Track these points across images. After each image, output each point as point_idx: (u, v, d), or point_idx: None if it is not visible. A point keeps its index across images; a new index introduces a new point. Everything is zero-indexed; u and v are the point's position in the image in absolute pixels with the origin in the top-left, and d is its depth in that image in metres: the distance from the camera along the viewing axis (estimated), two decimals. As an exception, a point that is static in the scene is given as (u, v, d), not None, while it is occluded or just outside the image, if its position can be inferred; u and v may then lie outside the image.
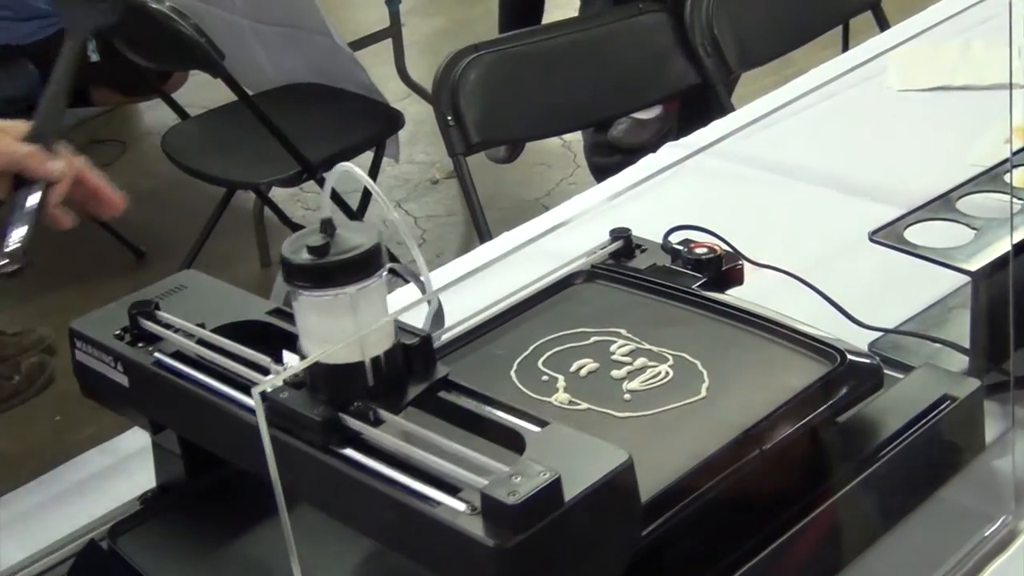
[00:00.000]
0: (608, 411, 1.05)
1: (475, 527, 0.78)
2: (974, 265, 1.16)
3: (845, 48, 2.81)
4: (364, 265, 0.86)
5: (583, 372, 1.10)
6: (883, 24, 2.63)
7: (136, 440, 1.24)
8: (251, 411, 0.90)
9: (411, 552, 0.84)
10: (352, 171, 0.86)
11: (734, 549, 0.98)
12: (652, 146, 2.17)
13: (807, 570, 1.02)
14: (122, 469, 1.09)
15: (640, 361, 1.10)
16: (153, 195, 3.97)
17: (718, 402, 1.04)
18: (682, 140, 1.82)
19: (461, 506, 0.79)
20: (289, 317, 0.99)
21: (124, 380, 1.01)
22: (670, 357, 1.10)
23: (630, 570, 0.91)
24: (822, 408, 1.04)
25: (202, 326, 1.00)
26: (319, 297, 0.86)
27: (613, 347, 1.12)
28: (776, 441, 1.00)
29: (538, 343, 1.14)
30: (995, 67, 1.88)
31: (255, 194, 3.36)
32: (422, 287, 1.02)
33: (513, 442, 0.85)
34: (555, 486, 0.78)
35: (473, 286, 1.19)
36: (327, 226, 0.87)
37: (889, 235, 1.21)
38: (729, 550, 0.98)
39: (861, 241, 1.23)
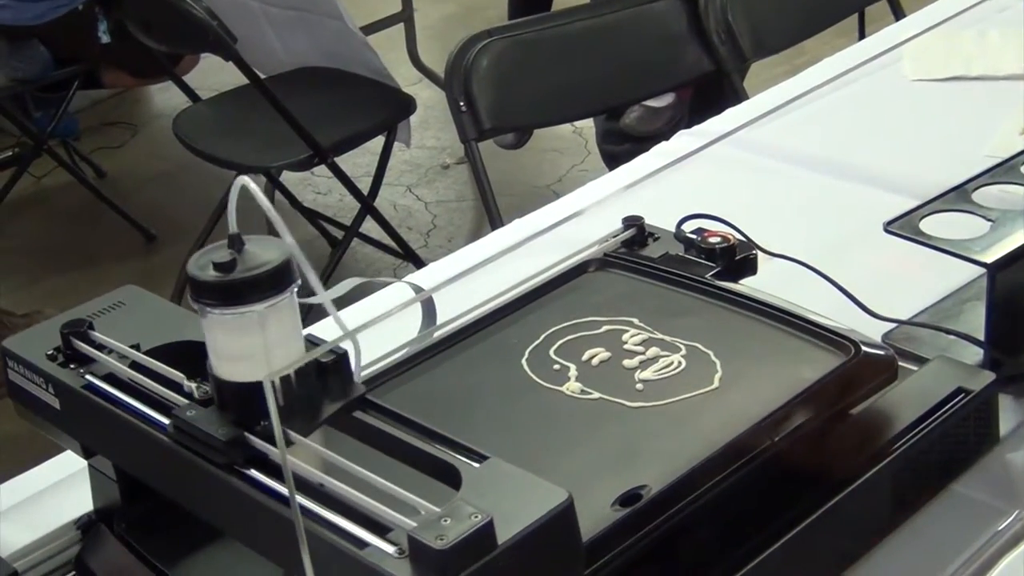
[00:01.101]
0: (620, 401, 1.04)
1: (403, 572, 0.74)
2: (990, 257, 1.15)
3: (861, 37, 2.79)
4: (273, 282, 0.83)
5: (595, 361, 1.09)
6: (899, 13, 2.62)
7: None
8: (155, 425, 0.88)
9: None
10: (249, 187, 0.81)
11: (746, 541, 0.97)
12: (664, 134, 2.16)
13: (820, 562, 1.02)
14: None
15: (652, 351, 1.09)
16: (164, 178, 3.97)
17: (731, 393, 1.04)
18: (695, 128, 1.81)
19: (390, 548, 0.76)
20: None
21: (55, 402, 0.98)
22: (683, 347, 1.09)
23: (643, 562, 0.91)
24: (835, 400, 1.04)
25: (137, 347, 0.96)
26: (226, 315, 0.83)
27: (625, 336, 1.11)
28: (789, 432, 1.00)
29: (550, 331, 1.14)
30: (1011, 57, 1.87)
31: (266, 178, 3.34)
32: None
33: (449, 476, 0.82)
34: (487, 529, 0.74)
35: (485, 274, 1.19)
36: (235, 241, 0.83)
37: (904, 226, 1.21)
38: (741, 542, 0.97)
39: (876, 232, 1.22)
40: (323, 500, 0.80)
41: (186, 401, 0.89)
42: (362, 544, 0.77)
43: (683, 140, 1.77)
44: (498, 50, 2.21)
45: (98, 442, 1.01)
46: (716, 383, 1.05)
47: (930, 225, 1.21)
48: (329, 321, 0.85)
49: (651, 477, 0.94)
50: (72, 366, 0.97)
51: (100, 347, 0.97)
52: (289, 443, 0.82)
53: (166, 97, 4.24)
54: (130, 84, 3.98)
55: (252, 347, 0.84)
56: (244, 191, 0.82)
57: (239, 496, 0.83)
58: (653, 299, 1.17)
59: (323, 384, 0.87)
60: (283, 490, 0.80)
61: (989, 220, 1.20)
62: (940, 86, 1.87)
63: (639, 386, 1.05)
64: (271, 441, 0.83)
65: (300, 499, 0.79)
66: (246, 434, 0.84)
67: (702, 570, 0.96)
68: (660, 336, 1.11)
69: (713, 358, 1.07)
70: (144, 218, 3.69)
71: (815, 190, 1.62)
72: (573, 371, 1.08)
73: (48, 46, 3.54)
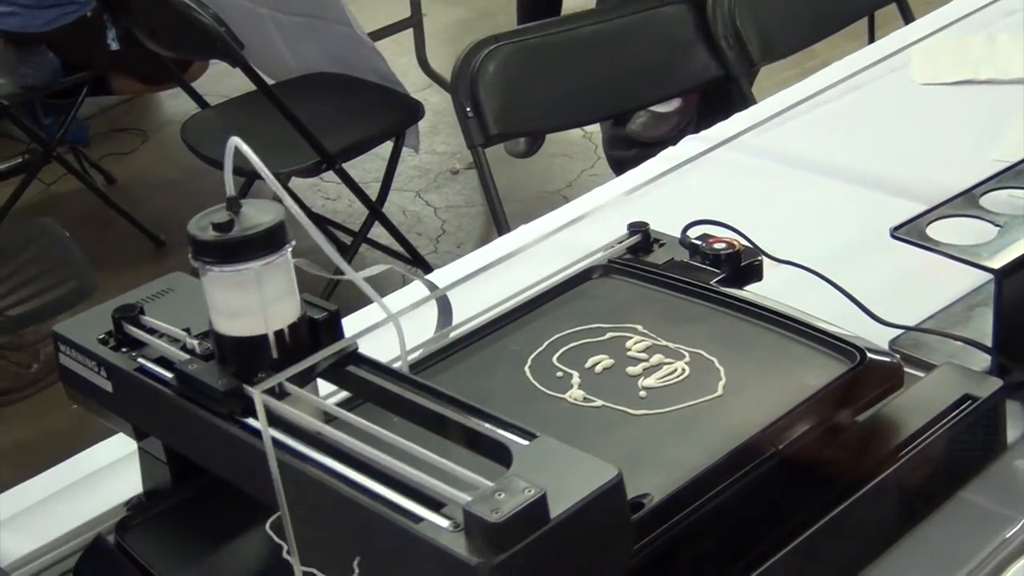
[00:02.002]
0: (623, 408, 1.03)
1: (458, 545, 0.75)
2: (997, 263, 1.14)
3: (871, 41, 2.78)
4: (268, 241, 0.88)
5: (598, 368, 1.08)
6: (908, 16, 2.61)
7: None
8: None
9: (393, 568, 0.82)
10: (241, 148, 0.87)
11: (751, 550, 0.96)
12: (671, 139, 2.15)
13: (825, 571, 1.01)
14: (131, 463, 1.08)
15: (656, 358, 1.08)
16: (173, 184, 3.98)
17: (735, 400, 1.03)
18: (702, 133, 1.80)
19: (444, 522, 0.77)
20: None
21: (107, 385, 1.00)
22: (687, 354, 1.08)
23: (646, 571, 0.90)
24: (841, 407, 1.03)
25: (187, 331, 0.98)
26: (225, 272, 0.88)
27: (629, 343, 1.11)
28: (793, 440, 0.99)
29: (553, 338, 1.13)
30: (1020, 61, 1.86)
31: (275, 184, 3.35)
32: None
33: (499, 454, 0.83)
34: (540, 503, 0.76)
35: (489, 280, 1.18)
36: (232, 203, 0.88)
37: (911, 231, 1.20)
38: (746, 551, 0.96)
39: (882, 237, 1.21)
40: (374, 475, 0.82)
41: (186, 356, 0.93)
42: (416, 519, 0.78)
43: (690, 145, 1.76)
44: (505, 55, 2.20)
45: (150, 424, 1.03)
46: (720, 390, 1.04)
47: (937, 230, 1.20)
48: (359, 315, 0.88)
49: (654, 485, 0.93)
50: (124, 350, 1.00)
51: (151, 331, 1.00)
52: (284, 394, 0.88)
53: (176, 103, 4.25)
54: (139, 91, 3.98)
55: (249, 303, 0.89)
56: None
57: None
58: (657, 306, 1.16)
59: (315, 340, 0.92)
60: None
61: (997, 225, 1.19)
62: (948, 90, 1.86)
63: (642, 393, 1.05)
64: (269, 392, 0.86)
65: (347, 471, 0.82)
66: (244, 385, 0.88)
67: (706, 579, 0.95)
68: (664, 343, 1.10)
69: (717, 365, 1.07)
70: (153, 224, 3.70)
71: (822, 195, 1.61)
72: (576, 378, 1.07)
73: (57, 53, 3.55)
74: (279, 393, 0.87)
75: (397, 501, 0.80)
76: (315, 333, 0.92)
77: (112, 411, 1.04)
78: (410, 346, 1.09)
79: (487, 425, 0.86)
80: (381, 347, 0.96)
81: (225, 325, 0.91)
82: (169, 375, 0.95)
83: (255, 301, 0.89)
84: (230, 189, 0.89)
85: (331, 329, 0.93)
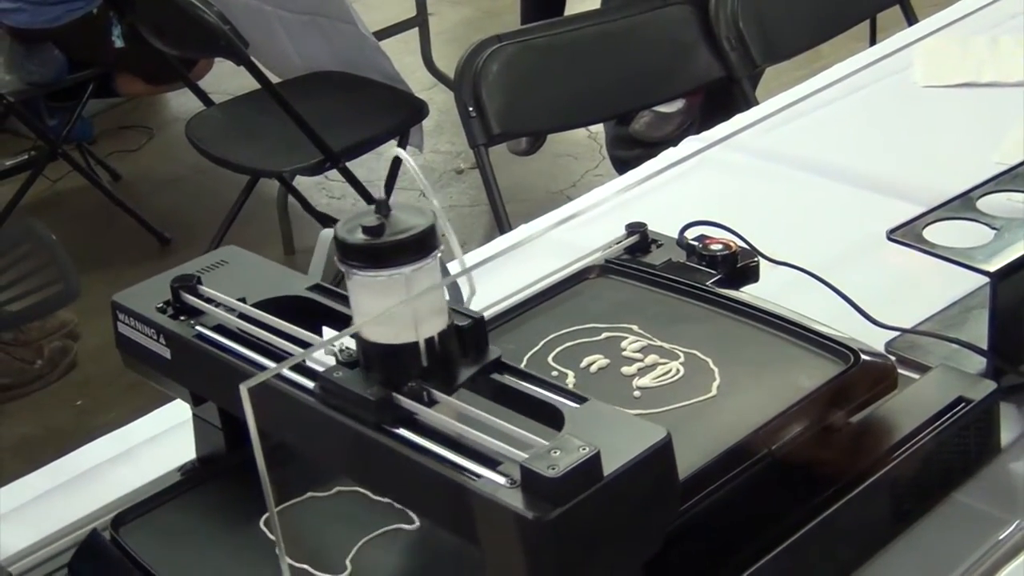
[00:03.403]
0: (617, 408, 1.03)
1: (515, 500, 0.78)
2: (993, 266, 1.15)
3: (873, 43, 2.78)
4: (419, 246, 0.86)
5: (593, 368, 1.09)
6: (911, 18, 2.61)
7: (144, 429, 1.24)
8: (298, 387, 0.91)
9: (452, 525, 0.85)
10: (401, 155, 0.88)
11: (743, 550, 0.96)
12: (674, 139, 2.16)
13: (818, 572, 1.01)
14: (128, 458, 1.09)
15: (651, 358, 1.09)
16: (179, 181, 3.98)
17: (729, 401, 1.03)
18: (704, 134, 1.80)
19: (501, 479, 0.80)
20: (329, 293, 1.02)
21: (166, 352, 1.02)
22: (681, 354, 1.09)
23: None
24: (835, 408, 1.03)
25: (243, 300, 1.01)
26: (373, 277, 0.86)
27: (624, 343, 1.11)
28: (787, 441, 0.99)
29: (549, 338, 1.13)
30: (1022, 64, 1.86)
31: (279, 182, 3.36)
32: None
33: (552, 418, 0.85)
34: (595, 461, 0.78)
35: (487, 279, 1.19)
36: (382, 207, 0.87)
37: (907, 234, 1.20)
38: (738, 551, 0.96)
39: (880, 239, 1.21)
40: (434, 437, 0.84)
41: (332, 362, 0.91)
42: (475, 476, 0.80)
43: (691, 145, 1.76)
44: (508, 55, 2.21)
45: (209, 390, 1.05)
46: (714, 391, 1.04)
47: (934, 233, 1.20)
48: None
49: (646, 485, 0.93)
50: (182, 318, 1.02)
51: (208, 300, 1.02)
52: (433, 402, 0.86)
53: (182, 101, 4.25)
54: (144, 92, 3.99)
55: (399, 309, 0.87)
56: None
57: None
58: (653, 306, 1.17)
59: (461, 347, 0.91)
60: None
61: (993, 228, 1.20)
62: (950, 93, 1.86)
63: (636, 393, 1.05)
64: (419, 400, 0.86)
65: (413, 437, 0.84)
66: (394, 394, 0.86)
67: (697, 579, 0.95)
68: (659, 343, 1.10)
69: (711, 366, 1.07)
70: (159, 222, 3.71)
71: (820, 197, 1.61)
72: (571, 378, 1.08)
73: (63, 50, 3.55)
74: (428, 401, 0.86)
75: (456, 460, 0.82)
76: (459, 340, 0.90)
77: (171, 378, 1.05)
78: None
79: (539, 389, 0.88)
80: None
81: (372, 331, 0.88)
82: (229, 341, 0.97)
83: (404, 307, 0.87)
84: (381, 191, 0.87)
85: (477, 336, 0.91)
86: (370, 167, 3.60)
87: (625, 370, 1.08)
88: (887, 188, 1.58)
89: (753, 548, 0.96)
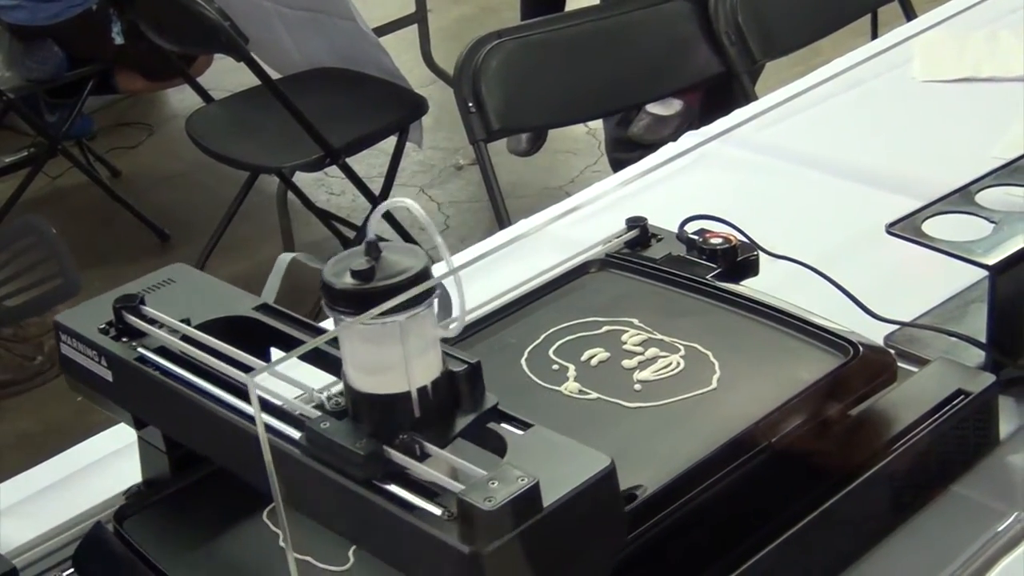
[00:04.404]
0: (618, 401, 1.04)
1: (451, 533, 0.76)
2: (991, 259, 1.15)
3: (874, 37, 2.78)
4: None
5: (594, 362, 1.09)
6: (909, 13, 2.61)
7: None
8: (245, 416, 0.88)
9: (391, 557, 0.82)
10: (411, 207, 0.79)
11: (743, 541, 0.97)
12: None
13: (817, 564, 1.02)
14: (130, 453, 1.09)
15: (651, 351, 1.09)
16: (178, 178, 3.99)
17: (729, 394, 1.04)
18: (703, 129, 1.81)
19: (438, 511, 0.78)
20: (276, 313, 0.99)
21: (108, 375, 1.00)
22: (682, 348, 1.09)
23: (637, 564, 0.91)
24: (834, 401, 1.04)
25: (187, 321, 0.98)
26: (366, 325, 0.81)
27: (625, 337, 1.11)
28: (786, 433, 1.00)
29: (550, 331, 1.14)
30: (1022, 59, 1.86)
31: (279, 178, 3.36)
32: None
33: (494, 444, 0.83)
34: (533, 492, 0.76)
35: (488, 273, 1.19)
36: (372, 248, 0.81)
37: (906, 228, 1.20)
38: (738, 542, 0.97)
39: (879, 233, 1.22)
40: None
41: (316, 412, 0.86)
42: (411, 507, 0.79)
43: (690, 140, 1.77)
44: (507, 51, 2.21)
45: (150, 413, 1.03)
46: (714, 384, 1.05)
47: (933, 227, 1.21)
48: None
49: (647, 477, 0.94)
50: (124, 339, 1.00)
51: (151, 321, 1.00)
52: (425, 455, 0.82)
53: (181, 98, 4.25)
54: (144, 89, 3.99)
55: (391, 358, 0.82)
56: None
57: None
58: (653, 300, 1.17)
59: (454, 395, 0.85)
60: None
61: (992, 222, 1.20)
62: (950, 87, 1.86)
63: (637, 386, 1.05)
64: (411, 454, 0.82)
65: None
66: (385, 447, 0.82)
67: (697, 571, 0.95)
68: (659, 337, 1.11)
69: (712, 359, 1.07)
70: (158, 218, 3.71)
71: (820, 191, 1.62)
72: (572, 371, 1.08)
73: (62, 47, 3.55)
74: (421, 455, 0.82)
75: (393, 490, 0.80)
76: (454, 388, 0.85)
77: (113, 400, 1.03)
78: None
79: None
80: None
81: (363, 381, 0.83)
82: (174, 367, 0.95)
83: (397, 355, 0.81)
84: (371, 233, 0.81)
85: (472, 383, 0.85)
86: (369, 163, 3.60)
87: (626, 363, 1.08)
88: (886, 182, 1.58)
89: (753, 540, 0.97)
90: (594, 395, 1.05)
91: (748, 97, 2.32)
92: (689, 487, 0.94)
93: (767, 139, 1.75)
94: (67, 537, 1.09)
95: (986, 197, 1.24)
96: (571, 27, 2.31)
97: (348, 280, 0.80)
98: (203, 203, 3.71)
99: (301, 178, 3.45)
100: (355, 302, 0.80)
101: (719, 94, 2.55)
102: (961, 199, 1.24)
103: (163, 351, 0.97)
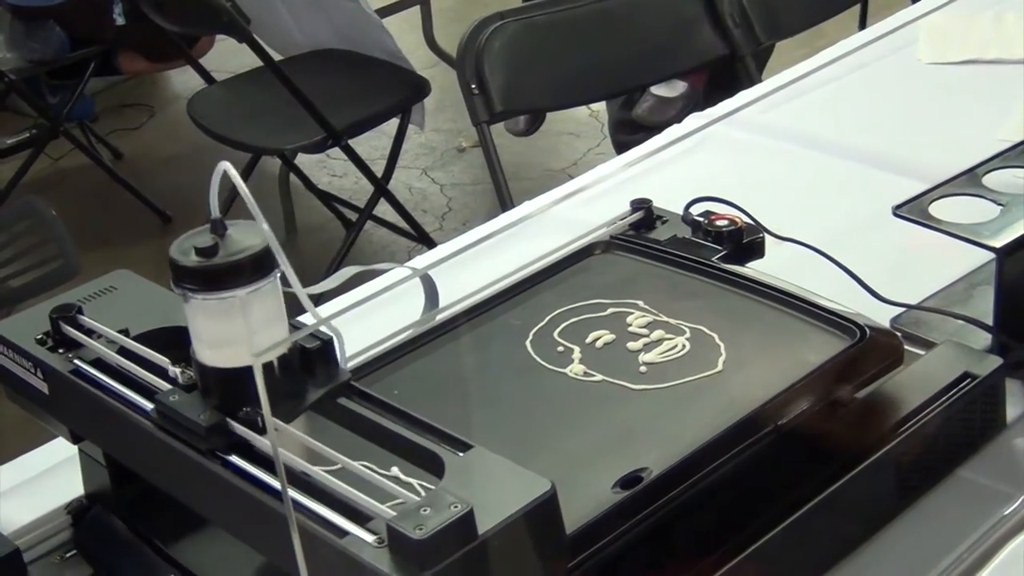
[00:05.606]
0: (623, 383, 1.04)
1: (382, 562, 0.74)
2: (999, 242, 1.14)
3: (863, 21, 2.77)
4: (255, 267, 0.82)
5: (599, 343, 1.09)
6: (914, -4, 2.60)
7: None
8: (137, 409, 0.88)
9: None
10: (229, 172, 0.80)
11: (748, 524, 0.96)
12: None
13: (823, 546, 1.01)
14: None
15: (657, 333, 1.09)
16: (180, 159, 3.98)
17: (735, 376, 1.03)
18: (707, 111, 1.80)
19: (369, 537, 0.75)
20: None
21: (44, 387, 0.97)
22: (687, 330, 1.09)
23: (643, 544, 0.90)
24: (840, 383, 1.03)
25: (126, 332, 0.96)
26: (208, 300, 0.83)
27: (630, 319, 1.11)
28: (792, 416, 0.99)
29: (554, 313, 1.13)
30: (1027, 41, 1.85)
31: (281, 160, 3.35)
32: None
33: (432, 465, 0.81)
34: (467, 519, 0.74)
35: (491, 255, 1.19)
36: (217, 226, 0.83)
37: (913, 210, 1.20)
38: (743, 525, 0.96)
39: (885, 215, 1.21)
40: (304, 487, 0.80)
41: (170, 386, 0.88)
42: (342, 533, 0.76)
43: (694, 122, 1.76)
44: (510, 32, 2.20)
45: (86, 427, 1.00)
46: (720, 366, 1.04)
47: (940, 209, 1.20)
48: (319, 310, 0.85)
49: (652, 460, 0.93)
50: (61, 351, 0.97)
51: (89, 332, 0.97)
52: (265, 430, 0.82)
53: (184, 79, 4.25)
54: (146, 70, 3.98)
55: (235, 332, 0.83)
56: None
57: (220, 483, 0.82)
58: (659, 282, 1.17)
59: (307, 371, 0.86)
60: (264, 477, 0.81)
61: (999, 204, 1.19)
62: (955, 69, 1.85)
63: (642, 368, 1.05)
64: (253, 427, 0.83)
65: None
66: (228, 420, 0.84)
67: (703, 553, 0.95)
68: (665, 319, 1.10)
69: (717, 341, 1.07)
70: (160, 200, 3.70)
71: (826, 173, 1.61)
72: (577, 353, 1.08)
73: (64, 27, 3.54)
74: (263, 428, 0.82)
75: (324, 514, 0.78)
76: (308, 363, 0.86)
77: (49, 413, 1.01)
78: (402, 325, 1.08)
79: (422, 434, 0.84)
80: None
81: (208, 355, 0.85)
82: (105, 377, 0.93)
83: (240, 331, 0.83)
84: (215, 211, 0.83)
85: (325, 359, 0.87)
86: (371, 145, 3.59)
87: (631, 345, 1.08)
88: (892, 165, 1.57)
89: (759, 523, 0.96)
90: (599, 377, 1.05)
91: (752, 79, 2.30)
92: (694, 470, 0.94)
93: (771, 121, 1.74)
94: (69, 519, 1.08)
95: (993, 179, 1.23)
96: (575, 8, 2.30)
97: (192, 257, 0.82)
98: (205, 185, 3.68)
99: (303, 160, 3.44)
100: (198, 279, 0.82)
101: (723, 76, 2.54)
102: (968, 181, 1.23)
103: (99, 363, 0.95)
